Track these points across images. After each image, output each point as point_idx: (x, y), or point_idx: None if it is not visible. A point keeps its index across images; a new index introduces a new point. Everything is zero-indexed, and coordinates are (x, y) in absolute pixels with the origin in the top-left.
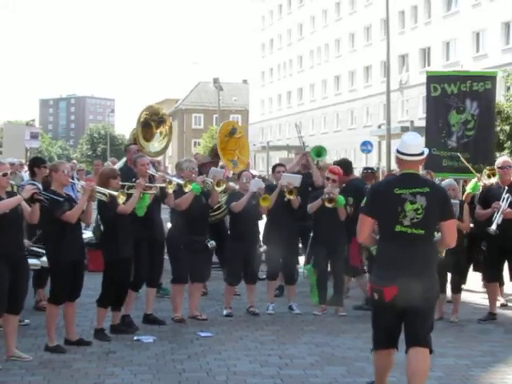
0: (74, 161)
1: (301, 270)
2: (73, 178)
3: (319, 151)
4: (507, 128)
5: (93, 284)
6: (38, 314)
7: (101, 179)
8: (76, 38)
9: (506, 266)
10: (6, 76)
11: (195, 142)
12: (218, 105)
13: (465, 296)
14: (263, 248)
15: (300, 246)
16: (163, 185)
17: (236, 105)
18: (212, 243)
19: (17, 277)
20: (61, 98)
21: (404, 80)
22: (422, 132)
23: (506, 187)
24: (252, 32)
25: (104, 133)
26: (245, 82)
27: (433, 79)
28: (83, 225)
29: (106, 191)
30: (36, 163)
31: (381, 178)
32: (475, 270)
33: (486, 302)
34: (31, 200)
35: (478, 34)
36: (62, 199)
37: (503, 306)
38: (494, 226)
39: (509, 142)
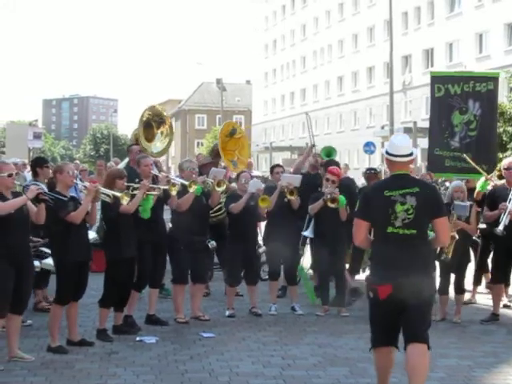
0: (77, 161)
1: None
2: (81, 180)
3: (329, 152)
4: (510, 129)
5: (95, 284)
6: (40, 315)
7: (107, 179)
8: (79, 38)
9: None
10: (9, 76)
11: (198, 143)
12: (221, 105)
13: (467, 297)
14: (262, 249)
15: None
16: (166, 187)
17: (239, 105)
18: (212, 243)
19: (21, 277)
20: (64, 98)
21: (407, 81)
22: (425, 132)
23: None
24: (255, 32)
25: (107, 133)
26: (248, 82)
27: (437, 79)
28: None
29: (110, 192)
30: (38, 163)
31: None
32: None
33: (489, 303)
34: (36, 200)
35: (481, 35)
36: (66, 199)
37: (506, 306)
38: (501, 227)
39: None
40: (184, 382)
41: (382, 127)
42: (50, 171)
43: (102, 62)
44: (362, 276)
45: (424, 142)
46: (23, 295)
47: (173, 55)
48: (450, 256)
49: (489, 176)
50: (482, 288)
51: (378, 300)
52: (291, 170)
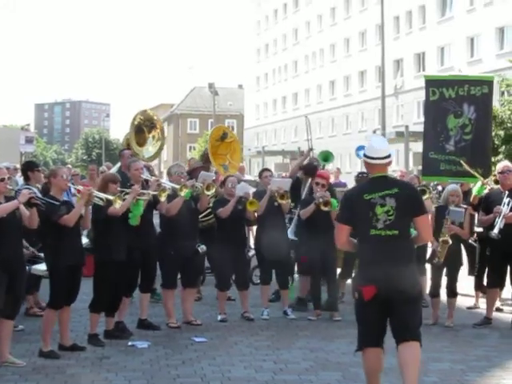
0: (69, 165)
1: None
2: (72, 183)
3: (326, 156)
4: (502, 133)
5: (87, 289)
6: (32, 320)
7: (101, 183)
8: (71, 43)
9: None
10: (1, 80)
11: (190, 147)
12: (213, 109)
13: (460, 300)
14: (252, 252)
15: None
16: (156, 193)
17: (231, 109)
18: (202, 248)
19: (13, 282)
20: (56, 103)
21: (399, 85)
22: (417, 136)
23: (507, 192)
24: (247, 37)
25: (99, 137)
26: (240, 86)
27: (431, 83)
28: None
29: (104, 196)
30: (30, 167)
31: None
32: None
33: (482, 306)
34: (28, 204)
35: (472, 39)
36: (58, 203)
37: (498, 310)
38: (496, 231)
39: (503, 147)
40: None
41: (374, 131)
42: (42, 175)
43: (95, 67)
44: None
45: (416, 146)
46: (15, 300)
47: (165, 60)
48: (442, 260)
49: (485, 180)
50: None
51: (363, 301)
52: (287, 173)
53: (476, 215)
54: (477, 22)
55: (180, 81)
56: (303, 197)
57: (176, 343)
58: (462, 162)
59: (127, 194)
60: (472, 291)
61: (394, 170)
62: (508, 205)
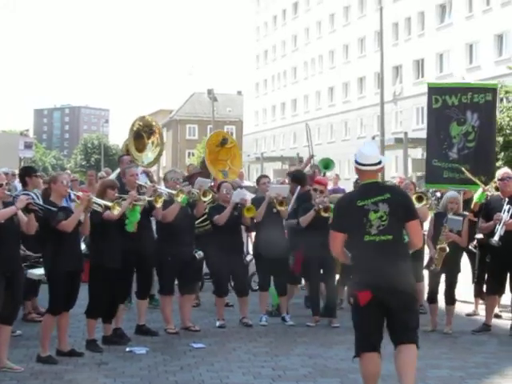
0: (68, 171)
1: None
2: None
3: (327, 163)
4: (501, 139)
5: (85, 295)
6: (30, 325)
7: (99, 189)
8: (70, 48)
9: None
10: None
11: (189, 153)
12: (212, 116)
13: (459, 307)
14: (249, 257)
15: None
16: (152, 199)
17: (230, 116)
18: (200, 253)
19: (11, 287)
20: (55, 108)
21: (398, 91)
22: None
23: (507, 199)
24: (247, 43)
25: (98, 143)
26: (239, 93)
27: (434, 91)
28: None
29: (102, 202)
30: (27, 172)
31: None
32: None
33: (481, 313)
34: (26, 210)
35: (471, 46)
36: (56, 209)
37: (497, 316)
38: (496, 238)
39: (502, 154)
40: None
41: (373, 138)
42: (41, 181)
43: (94, 72)
44: None
45: (415, 153)
46: (13, 305)
47: (164, 65)
48: (439, 267)
49: (486, 187)
50: (472, 298)
51: (359, 306)
52: (286, 179)
53: (477, 222)
54: (476, 28)
55: (179, 87)
56: (290, 204)
57: (174, 349)
58: (463, 169)
59: (125, 200)
60: (471, 298)
61: (393, 177)
62: (508, 212)
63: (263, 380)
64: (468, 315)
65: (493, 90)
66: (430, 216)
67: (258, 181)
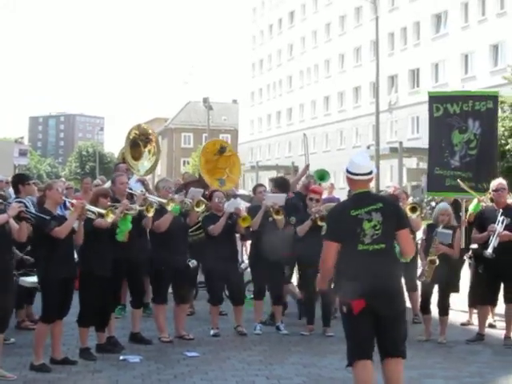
0: (63, 179)
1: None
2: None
3: (322, 175)
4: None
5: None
6: (23, 333)
7: (92, 197)
8: (66, 56)
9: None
10: None
11: (184, 161)
12: (207, 124)
13: (454, 316)
14: (244, 264)
15: None
16: (143, 208)
17: (226, 124)
18: (193, 262)
19: (2, 295)
20: (50, 116)
21: (393, 101)
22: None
23: (501, 210)
24: (242, 52)
25: (93, 151)
26: (234, 101)
27: (435, 99)
28: None
29: (96, 209)
30: (21, 180)
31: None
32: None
33: (475, 323)
34: (18, 218)
35: (466, 56)
36: (48, 217)
37: (491, 326)
38: (490, 250)
39: (498, 163)
40: None
41: (368, 147)
42: (35, 188)
43: (89, 80)
44: None
45: (410, 162)
46: (4, 313)
47: (159, 74)
48: (429, 279)
49: (481, 198)
50: (466, 307)
51: (352, 314)
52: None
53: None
54: (471, 38)
55: (175, 95)
56: None
57: (168, 358)
58: (459, 180)
59: (117, 208)
60: (466, 307)
61: (388, 186)
62: (502, 223)
63: None
64: (462, 325)
65: (494, 98)
66: (423, 227)
67: (254, 189)
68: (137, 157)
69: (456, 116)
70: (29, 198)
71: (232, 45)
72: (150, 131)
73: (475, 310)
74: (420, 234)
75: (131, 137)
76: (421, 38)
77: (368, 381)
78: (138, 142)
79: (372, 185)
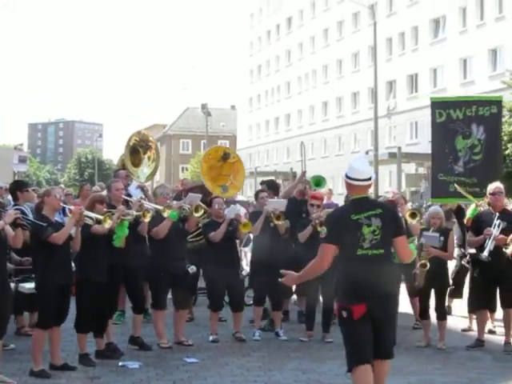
0: (62, 185)
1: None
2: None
3: (319, 181)
4: None
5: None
6: (23, 339)
7: (88, 203)
8: (65, 63)
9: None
10: None
11: (183, 168)
12: (206, 130)
13: (452, 322)
14: (245, 271)
15: None
16: (140, 213)
17: (224, 130)
18: (192, 268)
19: (0, 301)
20: (49, 123)
21: (391, 106)
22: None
23: (498, 213)
24: (240, 58)
25: (92, 157)
26: (233, 107)
27: (437, 105)
28: None
29: (93, 215)
30: (19, 187)
31: None
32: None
33: (475, 328)
34: (14, 225)
35: (465, 61)
36: (45, 224)
37: (491, 332)
38: (486, 253)
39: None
40: None
41: (367, 152)
42: (35, 195)
43: (88, 87)
44: None
45: (408, 168)
46: (2, 320)
47: (158, 80)
48: (421, 283)
49: (479, 203)
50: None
51: (352, 319)
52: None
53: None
54: (469, 43)
55: (173, 101)
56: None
57: (167, 363)
58: (455, 185)
59: (113, 214)
60: (464, 313)
61: (387, 192)
62: (498, 227)
63: None
64: (463, 330)
65: (498, 103)
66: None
67: (256, 195)
68: (136, 163)
69: (459, 121)
70: (27, 204)
71: (230, 51)
72: (150, 138)
73: (475, 316)
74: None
75: (131, 143)
76: (419, 42)
77: None
78: (138, 148)
79: (371, 190)
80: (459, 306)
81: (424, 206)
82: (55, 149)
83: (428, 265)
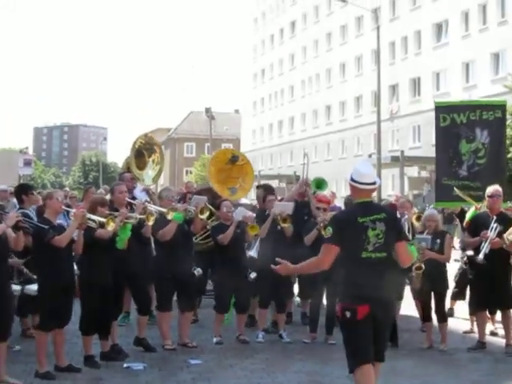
0: (67, 188)
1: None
2: (68, 206)
3: (320, 183)
4: None
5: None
6: (29, 341)
7: (90, 206)
8: (69, 67)
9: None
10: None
11: (187, 171)
12: (209, 134)
13: (454, 324)
14: (253, 274)
15: None
16: (143, 216)
17: (228, 134)
18: (198, 270)
19: (2, 303)
20: (54, 126)
21: (394, 110)
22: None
23: (495, 216)
24: (244, 62)
25: (96, 160)
26: (236, 111)
27: (441, 109)
28: None
29: (96, 218)
30: (24, 190)
31: None
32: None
33: (476, 330)
34: (15, 227)
35: (467, 65)
36: (47, 227)
37: (493, 334)
38: (481, 256)
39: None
40: None
41: (370, 156)
42: (40, 198)
43: (93, 91)
44: None
45: (411, 171)
46: (6, 321)
47: (162, 84)
48: (416, 286)
49: (478, 206)
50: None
51: (355, 320)
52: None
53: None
54: (472, 47)
55: (177, 105)
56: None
57: (171, 365)
58: (455, 188)
59: (116, 217)
60: (465, 315)
61: (390, 195)
62: (495, 230)
63: None
64: (465, 332)
65: (502, 107)
66: None
67: (263, 198)
68: (141, 166)
69: (463, 126)
70: (33, 207)
71: (233, 55)
72: (155, 141)
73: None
74: None
75: (137, 145)
76: (422, 47)
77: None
78: (143, 151)
79: (374, 194)
80: (461, 308)
81: (427, 209)
82: (60, 152)
83: (423, 267)
